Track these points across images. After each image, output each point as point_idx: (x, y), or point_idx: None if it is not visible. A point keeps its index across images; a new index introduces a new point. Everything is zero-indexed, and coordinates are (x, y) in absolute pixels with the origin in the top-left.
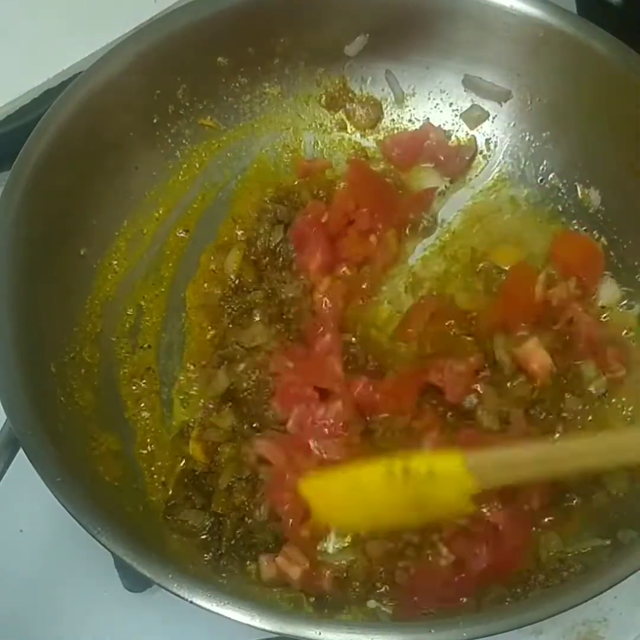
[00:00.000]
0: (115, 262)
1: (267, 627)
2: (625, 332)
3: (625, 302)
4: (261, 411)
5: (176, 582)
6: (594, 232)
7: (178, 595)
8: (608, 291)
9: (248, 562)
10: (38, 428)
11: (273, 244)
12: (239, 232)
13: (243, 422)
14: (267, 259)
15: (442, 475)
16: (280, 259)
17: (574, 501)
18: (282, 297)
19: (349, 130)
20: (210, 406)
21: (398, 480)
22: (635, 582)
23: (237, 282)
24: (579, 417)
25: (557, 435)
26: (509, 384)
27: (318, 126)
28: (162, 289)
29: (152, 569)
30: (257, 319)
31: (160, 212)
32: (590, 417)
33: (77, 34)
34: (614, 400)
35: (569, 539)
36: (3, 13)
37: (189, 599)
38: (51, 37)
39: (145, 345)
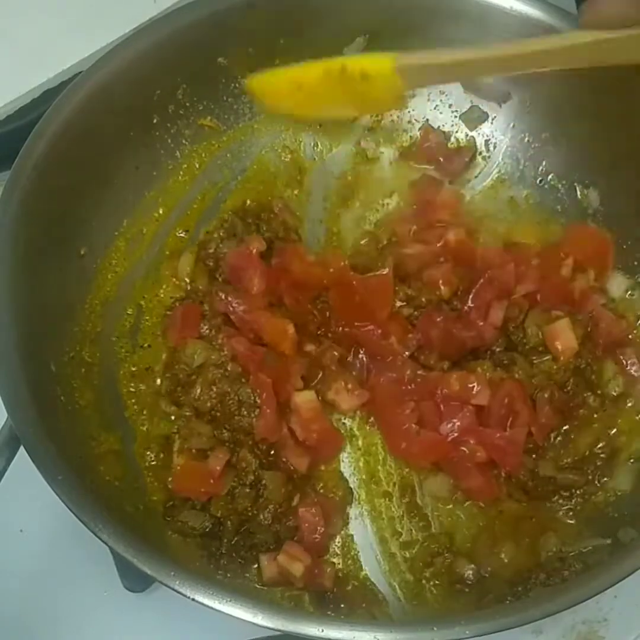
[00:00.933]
0: (115, 262)
1: (270, 625)
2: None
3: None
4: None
5: (178, 580)
6: None
7: (180, 593)
8: (616, 283)
9: (249, 562)
10: (39, 426)
11: (221, 253)
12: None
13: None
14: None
15: (374, 76)
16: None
17: (575, 500)
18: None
19: (348, 132)
20: (187, 413)
21: (335, 79)
22: (635, 582)
23: (190, 286)
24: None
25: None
26: (535, 359)
27: (317, 127)
28: (162, 289)
29: (154, 566)
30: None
31: (160, 212)
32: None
33: (77, 34)
34: (629, 404)
35: (569, 538)
36: (3, 13)
37: (191, 597)
38: (51, 37)
39: (146, 345)
